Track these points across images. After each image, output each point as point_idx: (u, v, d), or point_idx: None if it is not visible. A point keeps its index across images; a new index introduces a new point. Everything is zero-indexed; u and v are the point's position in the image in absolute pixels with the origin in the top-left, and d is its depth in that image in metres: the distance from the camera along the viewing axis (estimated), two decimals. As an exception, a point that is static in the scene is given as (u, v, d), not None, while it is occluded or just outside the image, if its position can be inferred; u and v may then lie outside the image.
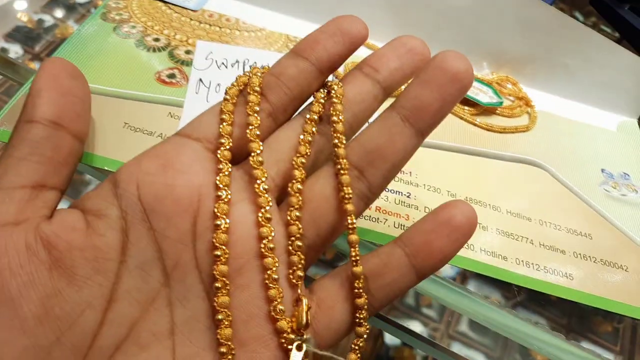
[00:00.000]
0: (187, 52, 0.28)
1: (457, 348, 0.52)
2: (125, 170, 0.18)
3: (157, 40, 0.28)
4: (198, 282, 0.17)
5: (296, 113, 0.20)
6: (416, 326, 0.52)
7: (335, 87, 0.19)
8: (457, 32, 0.32)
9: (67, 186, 0.19)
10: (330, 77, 0.20)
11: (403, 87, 0.19)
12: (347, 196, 0.17)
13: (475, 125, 0.29)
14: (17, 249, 0.15)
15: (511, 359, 0.53)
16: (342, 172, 0.18)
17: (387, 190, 0.25)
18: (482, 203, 0.26)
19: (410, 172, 0.26)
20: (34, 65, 0.47)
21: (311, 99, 0.20)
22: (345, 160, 0.18)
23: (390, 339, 0.52)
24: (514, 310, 0.50)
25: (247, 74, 0.20)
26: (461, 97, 0.18)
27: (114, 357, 0.16)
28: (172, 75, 0.26)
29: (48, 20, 0.47)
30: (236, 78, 0.19)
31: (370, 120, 0.20)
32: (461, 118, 0.29)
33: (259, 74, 0.19)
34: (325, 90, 0.19)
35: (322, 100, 0.19)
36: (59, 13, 0.47)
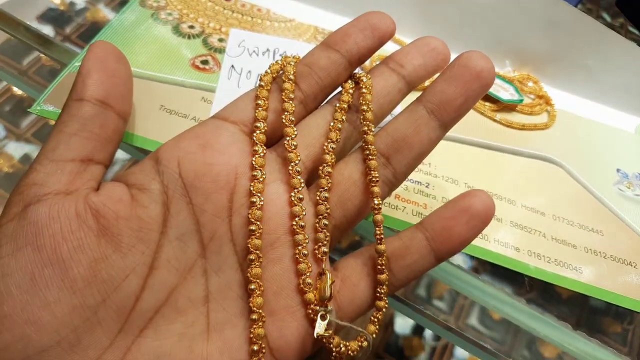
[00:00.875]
0: (220, 40, 0.29)
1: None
2: (166, 148, 0.19)
3: (192, 27, 0.29)
4: (232, 254, 0.18)
5: (325, 101, 0.21)
6: (423, 322, 0.53)
7: (364, 79, 0.20)
8: (480, 30, 0.33)
9: (111, 162, 0.20)
10: (357, 70, 0.22)
11: (427, 83, 0.20)
12: (374, 179, 0.19)
13: (494, 121, 0.30)
14: (68, 216, 0.17)
15: (519, 354, 0.54)
16: (370, 157, 0.19)
17: (407, 180, 0.26)
18: (498, 196, 0.26)
19: (430, 163, 0.27)
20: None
21: (339, 88, 0.21)
22: (373, 147, 0.19)
23: (400, 327, 0.53)
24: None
25: (279, 62, 0.21)
26: (483, 94, 0.19)
27: (153, 319, 0.17)
28: (205, 62, 0.28)
29: (79, 3, 0.49)
30: (270, 66, 0.21)
31: (394, 112, 0.21)
32: (481, 113, 0.30)
33: (292, 63, 0.20)
34: (353, 82, 0.21)
35: (351, 91, 0.20)
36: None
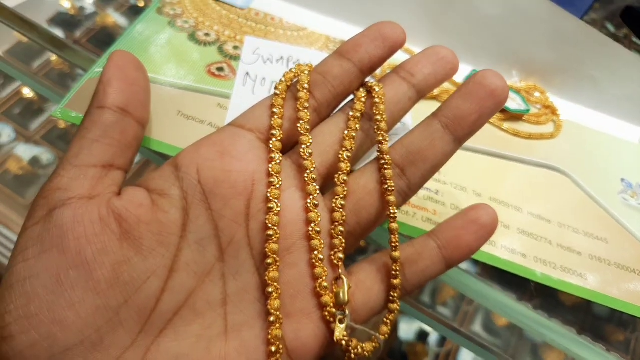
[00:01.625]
0: (235, 47, 0.30)
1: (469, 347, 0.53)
2: (185, 155, 0.19)
3: (207, 35, 0.30)
4: (249, 258, 0.19)
5: (337, 109, 0.22)
6: (429, 323, 0.54)
7: (377, 88, 0.21)
8: (489, 41, 0.33)
9: (130, 167, 0.21)
10: (368, 78, 0.22)
11: (436, 92, 0.21)
12: (390, 188, 0.19)
13: (502, 130, 0.31)
14: (92, 220, 0.17)
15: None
16: (385, 166, 0.20)
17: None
18: (505, 204, 0.27)
19: (440, 171, 0.27)
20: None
21: (351, 96, 0.22)
22: (388, 156, 0.20)
23: (404, 333, 0.54)
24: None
25: (293, 70, 0.22)
26: (497, 111, 0.20)
27: (172, 321, 0.18)
28: (221, 69, 0.29)
29: (89, 7, 0.50)
30: (284, 74, 0.21)
31: (406, 121, 0.21)
32: (490, 123, 0.31)
33: (307, 72, 0.21)
34: (366, 90, 0.21)
35: (363, 100, 0.21)
36: (100, 1, 0.49)
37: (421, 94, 0.22)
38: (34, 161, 0.55)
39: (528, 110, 0.32)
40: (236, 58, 0.29)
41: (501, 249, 0.25)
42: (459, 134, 0.20)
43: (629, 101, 0.34)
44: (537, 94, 0.34)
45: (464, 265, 0.32)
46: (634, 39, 0.48)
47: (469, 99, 0.20)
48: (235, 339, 0.18)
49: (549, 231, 0.27)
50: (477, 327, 0.55)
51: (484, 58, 0.34)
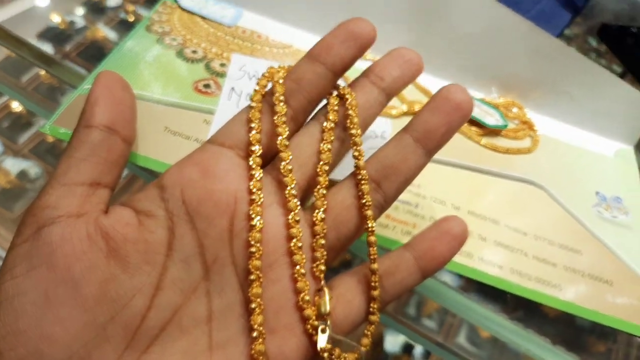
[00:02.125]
0: (222, 64, 0.31)
1: None
2: (169, 176, 0.20)
3: (195, 52, 0.31)
4: (234, 275, 0.19)
5: (312, 114, 0.23)
6: (413, 337, 0.54)
7: (349, 97, 0.21)
8: (469, 58, 0.34)
9: (116, 184, 0.21)
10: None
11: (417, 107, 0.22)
12: (367, 203, 0.20)
13: (480, 145, 0.32)
14: (80, 238, 0.18)
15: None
16: (362, 182, 0.20)
17: (397, 200, 0.27)
18: (483, 217, 0.28)
19: (419, 185, 0.28)
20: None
21: (324, 101, 0.22)
22: (365, 172, 0.20)
23: (390, 346, 0.54)
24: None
25: (266, 75, 0.22)
26: (463, 123, 0.21)
27: (158, 337, 0.18)
28: (207, 86, 0.29)
29: (79, 22, 0.50)
30: (257, 82, 0.22)
31: (386, 133, 0.22)
32: (468, 137, 0.32)
33: (281, 80, 0.21)
34: (337, 95, 0.22)
35: (336, 108, 0.22)
36: (90, 15, 0.50)
37: (390, 96, 0.22)
38: (22, 175, 0.55)
39: (506, 126, 0.33)
40: (223, 75, 0.30)
41: (478, 261, 0.26)
42: (429, 146, 0.21)
43: (604, 116, 0.35)
44: (515, 110, 0.35)
45: (447, 278, 0.33)
46: (614, 54, 0.50)
47: (436, 113, 0.21)
48: (220, 355, 0.19)
49: (525, 243, 0.27)
50: (461, 339, 0.56)
51: (463, 74, 0.35)
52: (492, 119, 0.33)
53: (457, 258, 0.26)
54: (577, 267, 0.27)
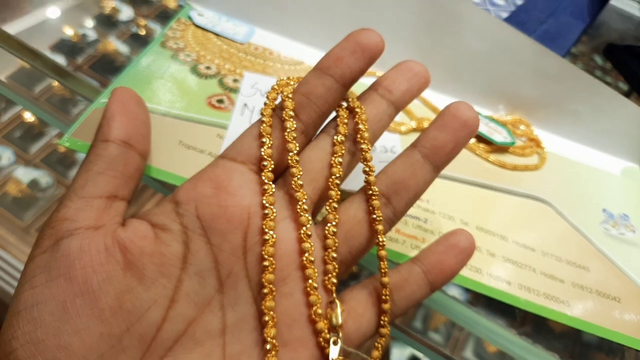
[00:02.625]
0: (235, 80, 0.31)
1: (459, 373, 0.54)
2: (183, 192, 0.20)
3: (208, 68, 0.32)
4: (247, 289, 0.20)
5: (322, 127, 0.23)
6: (421, 350, 0.54)
7: (359, 111, 0.22)
8: (476, 76, 0.35)
9: (132, 197, 0.21)
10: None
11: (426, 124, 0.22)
12: (378, 218, 0.21)
13: (488, 161, 0.32)
14: (98, 250, 0.18)
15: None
16: (373, 197, 0.21)
17: (407, 215, 0.28)
18: (491, 233, 0.28)
19: (428, 200, 0.29)
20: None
21: (333, 114, 0.23)
22: (375, 187, 0.21)
23: (396, 359, 0.54)
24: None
25: (275, 88, 0.22)
26: (469, 139, 0.22)
27: (172, 349, 0.18)
28: (221, 101, 0.30)
29: (91, 35, 0.51)
30: (267, 95, 0.22)
31: (396, 149, 0.23)
32: (476, 154, 0.32)
33: (290, 96, 0.22)
34: (346, 107, 0.22)
35: (346, 121, 0.22)
36: (102, 29, 0.51)
37: (398, 109, 0.23)
38: (33, 184, 0.56)
39: (513, 143, 0.33)
40: (235, 90, 0.31)
41: (487, 277, 0.26)
42: (437, 162, 0.22)
43: (610, 134, 0.36)
44: (522, 127, 0.36)
45: (454, 293, 0.33)
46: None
47: (444, 130, 0.21)
48: None
49: (533, 259, 0.28)
50: (468, 353, 0.56)
51: (471, 92, 0.35)
52: (500, 136, 0.33)
53: (467, 273, 0.26)
54: (584, 283, 0.27)
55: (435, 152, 0.21)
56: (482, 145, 0.33)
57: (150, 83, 0.29)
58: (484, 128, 0.33)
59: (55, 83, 0.57)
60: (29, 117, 0.60)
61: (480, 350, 0.52)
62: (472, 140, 0.33)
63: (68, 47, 0.51)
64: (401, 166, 0.22)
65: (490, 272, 0.26)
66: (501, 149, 0.33)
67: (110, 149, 0.20)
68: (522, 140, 0.35)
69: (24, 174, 0.56)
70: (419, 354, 0.54)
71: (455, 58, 0.35)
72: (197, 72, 0.31)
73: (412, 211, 0.28)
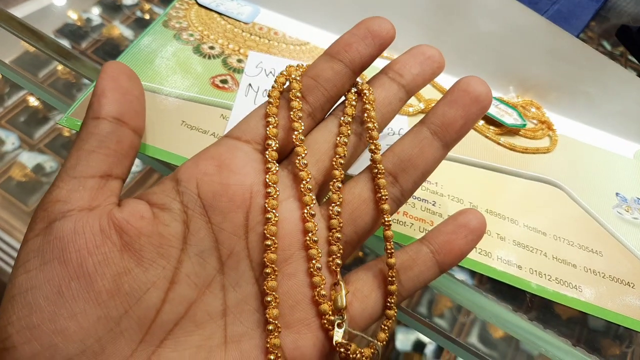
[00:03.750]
0: (239, 60, 0.31)
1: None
2: (185, 170, 0.20)
3: (212, 48, 0.31)
4: (249, 270, 0.19)
5: (330, 111, 0.22)
6: (427, 333, 0.54)
7: (367, 92, 0.21)
8: (486, 57, 0.34)
9: (127, 175, 0.21)
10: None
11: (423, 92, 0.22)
12: (384, 197, 0.20)
13: (499, 144, 0.32)
14: (92, 232, 0.18)
15: (518, 374, 0.54)
16: (379, 175, 0.20)
17: (415, 198, 0.27)
18: (501, 216, 0.28)
19: (437, 183, 0.28)
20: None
21: (342, 98, 0.22)
22: (381, 166, 0.20)
23: (400, 344, 0.54)
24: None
25: (284, 73, 0.22)
26: (481, 116, 0.21)
27: (172, 331, 0.18)
28: (224, 81, 0.29)
29: (95, 19, 0.50)
30: (275, 79, 0.22)
31: (403, 130, 0.22)
32: (486, 137, 0.32)
33: (298, 77, 0.21)
34: (355, 91, 0.22)
35: (354, 103, 0.21)
36: (106, 13, 0.50)
37: (410, 93, 0.22)
38: (38, 168, 0.55)
39: (524, 125, 0.33)
40: (240, 71, 0.30)
41: (497, 260, 0.26)
42: (447, 139, 0.21)
43: (623, 117, 0.35)
44: (533, 110, 0.35)
45: (461, 277, 0.33)
46: (630, 57, 0.49)
47: (454, 105, 0.20)
48: (235, 349, 0.18)
49: (545, 243, 0.27)
50: (473, 339, 0.55)
51: (481, 74, 0.34)
52: (510, 118, 0.32)
53: (476, 256, 0.25)
54: (597, 268, 0.27)
55: (444, 128, 0.21)
56: (492, 128, 0.32)
57: (152, 62, 0.29)
58: (494, 110, 0.33)
59: (60, 67, 0.56)
60: (33, 101, 0.60)
61: (485, 335, 0.51)
62: (482, 122, 0.32)
63: (72, 32, 0.51)
64: (409, 144, 0.21)
65: (500, 256, 0.26)
66: (511, 131, 0.32)
67: (101, 126, 0.20)
68: (533, 122, 0.34)
69: (29, 159, 0.56)
70: (425, 339, 0.54)
71: (465, 38, 0.34)
72: (201, 52, 0.30)
73: (420, 193, 0.27)
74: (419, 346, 0.54)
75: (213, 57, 0.30)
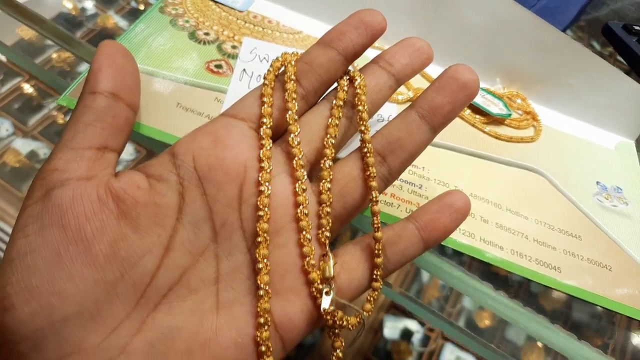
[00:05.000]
0: (233, 47, 0.31)
1: (450, 349, 0.55)
2: (181, 144, 0.21)
3: (207, 34, 0.32)
4: (242, 239, 0.20)
5: (323, 96, 0.23)
6: (413, 325, 0.55)
7: (358, 79, 0.22)
8: (474, 49, 0.35)
9: (122, 150, 0.21)
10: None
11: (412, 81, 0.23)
12: (372, 175, 0.21)
13: (484, 132, 0.33)
14: (90, 200, 0.18)
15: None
16: (368, 154, 0.21)
17: (402, 180, 0.28)
18: (485, 200, 0.29)
19: (423, 167, 0.29)
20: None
21: (335, 84, 0.23)
22: (370, 145, 0.21)
23: (388, 333, 0.55)
24: (508, 325, 0.52)
25: (279, 59, 0.23)
26: (468, 102, 0.22)
27: (167, 296, 0.19)
28: (219, 66, 0.30)
29: (90, 9, 0.51)
30: (271, 64, 0.23)
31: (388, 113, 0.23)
32: (473, 125, 0.33)
33: (293, 62, 0.22)
34: (348, 78, 0.23)
35: (346, 88, 0.22)
36: (101, 3, 0.51)
37: (400, 82, 0.23)
38: (32, 155, 0.56)
39: (509, 115, 0.34)
40: (234, 56, 0.31)
41: (479, 241, 0.27)
42: (434, 123, 0.22)
43: (606, 109, 0.36)
44: (519, 101, 0.36)
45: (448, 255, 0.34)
46: (619, 58, 0.50)
47: (442, 91, 0.22)
48: (227, 313, 0.19)
49: (526, 227, 0.28)
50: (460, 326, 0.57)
51: (469, 65, 0.35)
52: (496, 108, 0.33)
53: (460, 237, 0.26)
54: (577, 251, 0.28)
55: (432, 113, 0.22)
56: (478, 117, 0.33)
57: (148, 46, 0.29)
58: (480, 99, 0.34)
59: (55, 55, 0.57)
60: (27, 88, 0.60)
61: (472, 324, 0.53)
62: (468, 112, 0.33)
63: (67, 21, 0.51)
64: (398, 126, 0.22)
65: (483, 237, 0.27)
66: (497, 120, 0.33)
67: (98, 100, 0.20)
68: (519, 113, 0.35)
69: (23, 145, 0.56)
70: (412, 328, 0.55)
71: (454, 30, 0.35)
72: (196, 38, 0.31)
73: (407, 177, 0.28)
74: (406, 334, 0.55)
75: (208, 43, 0.31)
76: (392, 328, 0.55)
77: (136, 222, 0.19)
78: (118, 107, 0.21)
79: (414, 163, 0.29)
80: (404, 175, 0.28)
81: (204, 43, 0.31)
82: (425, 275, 0.59)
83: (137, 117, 0.23)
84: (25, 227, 0.18)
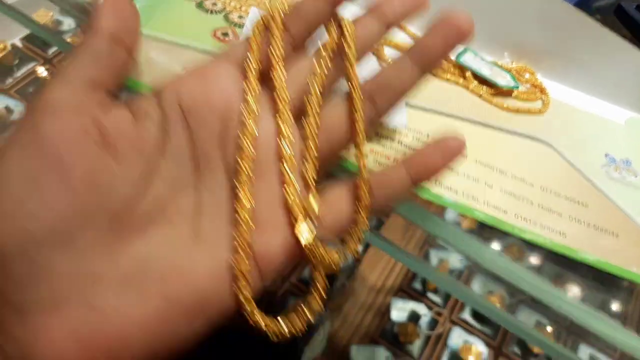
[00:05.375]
0: (240, 17, 0.32)
1: (457, 333, 0.54)
2: (167, 83, 0.21)
3: (214, 4, 0.32)
4: (224, 174, 0.20)
5: (312, 44, 0.24)
6: (421, 308, 0.55)
7: (346, 23, 0.22)
8: (482, 22, 0.35)
9: (117, 92, 0.21)
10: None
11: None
12: (358, 111, 0.21)
13: (491, 103, 0.32)
14: (75, 130, 0.18)
15: (509, 349, 0.55)
16: (354, 89, 0.22)
17: (404, 145, 0.28)
18: (490, 166, 0.28)
19: (428, 134, 0.29)
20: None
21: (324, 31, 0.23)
22: (356, 82, 0.22)
23: (395, 315, 0.55)
24: (517, 309, 0.52)
25: (269, 9, 0.23)
26: (462, 42, 0.22)
27: (144, 226, 0.19)
28: (225, 34, 0.30)
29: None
30: (261, 16, 0.23)
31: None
32: (479, 96, 0.33)
33: (281, 10, 0.23)
34: (336, 24, 0.23)
35: (334, 34, 0.23)
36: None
37: (389, 26, 0.23)
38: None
39: (517, 87, 0.33)
40: (240, 26, 0.31)
41: (482, 204, 0.26)
42: (424, 62, 0.22)
43: (616, 84, 0.35)
44: (527, 75, 0.36)
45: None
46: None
47: (433, 32, 0.22)
48: (204, 246, 0.19)
49: (531, 193, 0.28)
50: (465, 315, 0.56)
51: (476, 39, 0.35)
52: (503, 80, 0.33)
53: (462, 199, 0.26)
54: (582, 218, 0.27)
55: (422, 52, 0.22)
56: (485, 88, 0.33)
57: (155, 12, 0.30)
58: (487, 72, 0.33)
59: (69, 40, 0.58)
60: (41, 72, 0.61)
61: (477, 312, 0.52)
62: (475, 83, 0.33)
63: (79, 10, 0.52)
64: (388, 71, 0.23)
65: (487, 201, 0.27)
66: (504, 92, 0.33)
67: (97, 40, 0.20)
68: (527, 87, 0.35)
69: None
70: (419, 311, 0.55)
71: (461, 3, 0.35)
72: (203, 7, 0.31)
73: (410, 142, 0.28)
74: (414, 317, 0.54)
75: (215, 13, 0.31)
76: (399, 310, 0.55)
77: (119, 154, 0.19)
78: (116, 50, 0.21)
79: (420, 131, 0.29)
80: (409, 142, 0.28)
81: (212, 12, 0.31)
82: (434, 258, 0.58)
83: (138, 72, 0.24)
84: (4, 153, 0.18)
